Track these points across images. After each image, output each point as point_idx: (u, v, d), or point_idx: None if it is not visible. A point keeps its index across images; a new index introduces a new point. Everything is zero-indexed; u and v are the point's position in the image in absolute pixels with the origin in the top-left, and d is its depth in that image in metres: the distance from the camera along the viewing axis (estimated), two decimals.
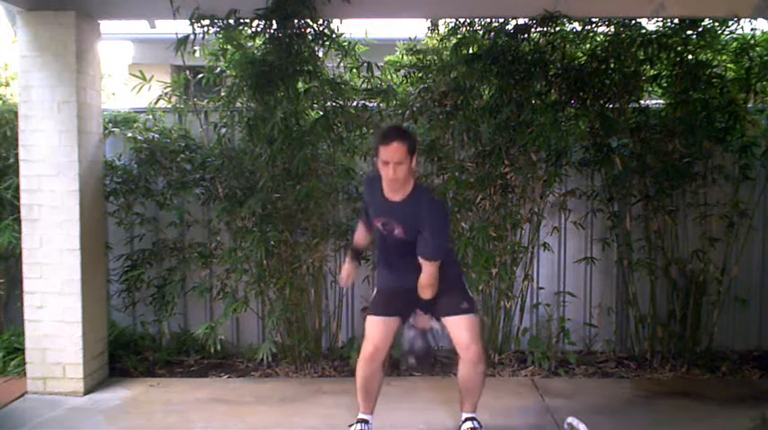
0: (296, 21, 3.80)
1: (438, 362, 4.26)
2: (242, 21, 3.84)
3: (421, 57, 4.28)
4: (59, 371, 3.81)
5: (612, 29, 4.15)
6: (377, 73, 4.23)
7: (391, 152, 2.73)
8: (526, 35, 4.08)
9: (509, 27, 4.11)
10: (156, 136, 4.34)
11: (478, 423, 3.11)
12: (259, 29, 3.88)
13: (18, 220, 3.88)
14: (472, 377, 3.00)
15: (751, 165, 4.12)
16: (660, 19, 4.03)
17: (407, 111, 4.16)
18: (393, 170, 2.75)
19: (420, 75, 4.27)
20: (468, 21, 4.16)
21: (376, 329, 2.99)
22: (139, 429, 3.40)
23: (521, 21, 4.06)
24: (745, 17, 3.94)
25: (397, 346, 4.11)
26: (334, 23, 4.00)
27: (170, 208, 4.39)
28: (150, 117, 4.43)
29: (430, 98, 4.17)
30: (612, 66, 4.11)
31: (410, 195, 2.86)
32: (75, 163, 3.75)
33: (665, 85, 4.26)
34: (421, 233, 2.82)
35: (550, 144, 3.93)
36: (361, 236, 3.24)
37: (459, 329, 2.94)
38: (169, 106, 4.32)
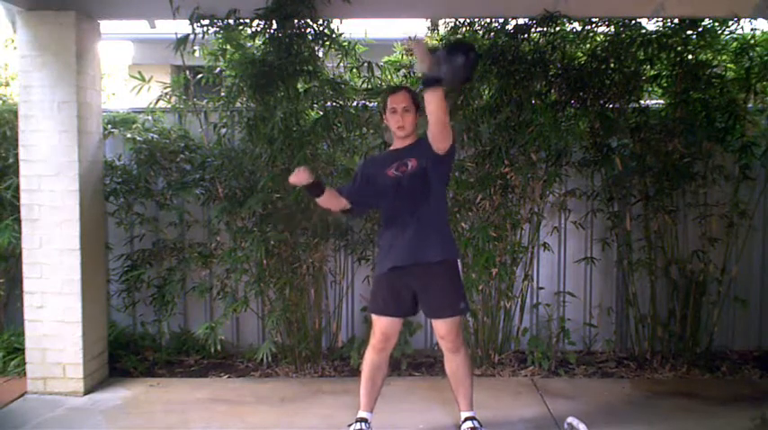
0: (296, 21, 3.80)
1: (437, 361, 4.27)
2: (242, 21, 3.84)
3: None
4: (59, 371, 3.81)
5: (612, 29, 4.15)
6: (377, 73, 4.23)
7: (398, 99, 3.03)
8: (526, 35, 4.08)
9: (509, 27, 4.11)
10: (156, 136, 4.34)
11: (478, 422, 3.11)
12: (259, 29, 3.88)
13: (18, 220, 3.88)
14: (454, 366, 3.11)
15: (751, 165, 4.12)
16: (660, 19, 4.03)
17: None
18: (401, 117, 3.01)
19: (420, 75, 4.26)
20: (468, 21, 4.16)
21: (383, 322, 3.05)
22: (139, 429, 3.40)
23: (521, 21, 4.06)
24: (745, 17, 3.94)
25: (397, 347, 4.12)
26: (334, 23, 4.00)
27: (170, 208, 4.39)
28: (149, 118, 4.43)
29: None
30: (612, 66, 4.11)
31: (414, 142, 3.08)
32: (75, 163, 3.75)
33: (665, 84, 4.26)
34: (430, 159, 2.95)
35: (550, 144, 3.93)
36: (336, 193, 3.16)
37: (439, 324, 3.04)
38: (169, 106, 4.31)
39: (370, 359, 3.09)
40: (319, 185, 3.08)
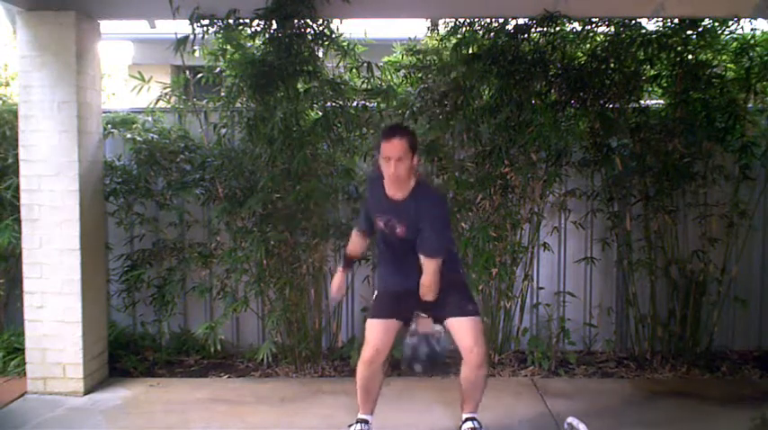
0: (296, 21, 3.80)
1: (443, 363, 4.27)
2: (242, 21, 3.84)
3: (421, 57, 4.28)
4: (59, 371, 3.81)
5: (612, 29, 4.15)
6: (377, 73, 4.23)
7: (392, 148, 2.76)
8: (526, 35, 4.08)
9: (509, 27, 4.11)
10: (156, 136, 4.33)
11: (478, 423, 3.10)
12: (259, 29, 3.88)
13: (18, 220, 3.88)
14: (474, 380, 2.99)
15: (751, 165, 4.12)
16: (660, 19, 4.03)
17: (407, 112, 4.16)
18: (394, 166, 2.77)
19: (420, 75, 4.27)
20: (468, 21, 4.16)
21: (376, 332, 2.99)
22: (139, 429, 3.41)
23: (521, 21, 4.06)
24: (745, 17, 3.94)
25: (398, 347, 4.12)
26: (334, 23, 4.00)
27: (170, 208, 4.39)
28: (149, 118, 4.43)
29: (430, 98, 4.17)
30: (612, 66, 4.11)
31: (411, 193, 2.88)
32: (75, 163, 3.75)
33: (665, 84, 4.26)
34: (421, 231, 2.84)
35: (550, 144, 3.93)
36: (355, 243, 3.24)
37: (463, 332, 2.93)
38: (169, 106, 4.31)
39: (361, 373, 3.00)
40: (351, 262, 3.27)
